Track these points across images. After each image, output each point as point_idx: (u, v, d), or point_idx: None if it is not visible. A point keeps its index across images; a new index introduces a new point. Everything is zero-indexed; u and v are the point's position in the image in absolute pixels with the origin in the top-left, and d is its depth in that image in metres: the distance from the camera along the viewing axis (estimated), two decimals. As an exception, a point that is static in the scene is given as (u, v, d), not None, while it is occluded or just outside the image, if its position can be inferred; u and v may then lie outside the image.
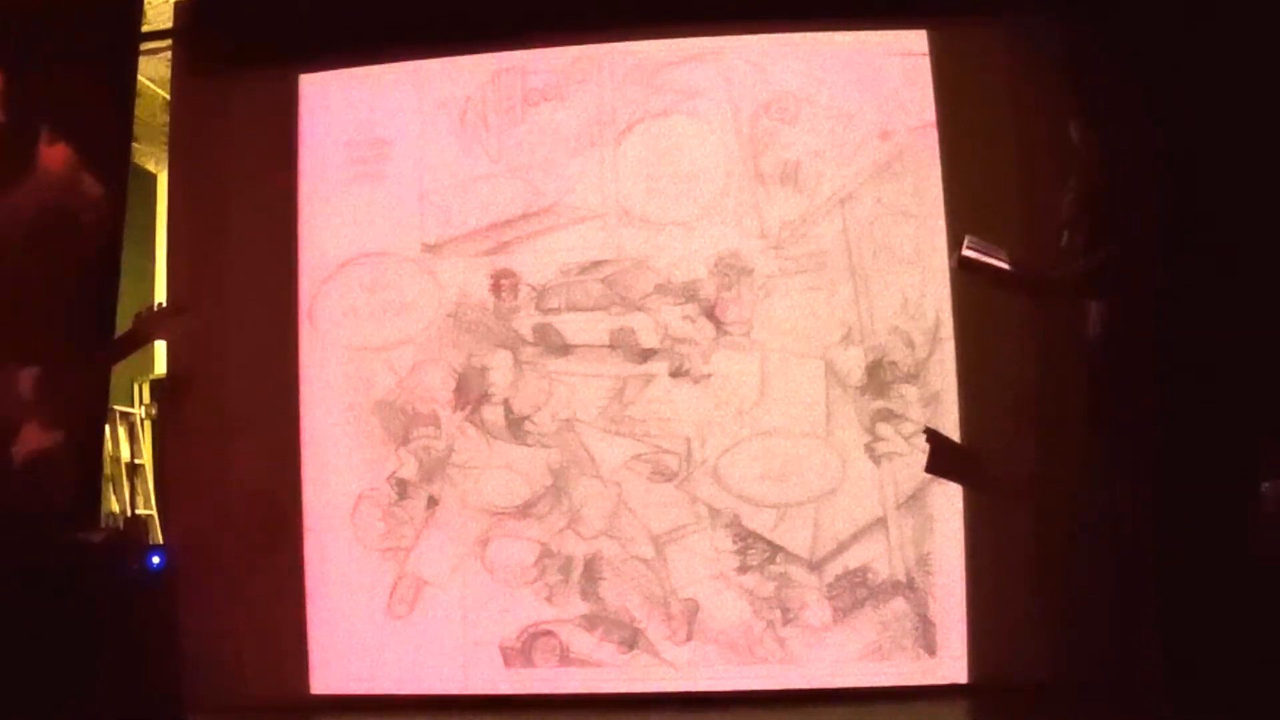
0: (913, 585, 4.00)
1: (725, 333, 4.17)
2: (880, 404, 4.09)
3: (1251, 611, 3.17)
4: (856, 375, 4.10)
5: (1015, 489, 3.92)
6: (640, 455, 4.14)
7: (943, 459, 3.96)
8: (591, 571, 4.11)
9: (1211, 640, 3.25)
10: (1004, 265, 3.60)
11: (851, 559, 4.03)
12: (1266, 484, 3.22)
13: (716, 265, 4.20)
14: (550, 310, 4.25)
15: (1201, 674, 3.21)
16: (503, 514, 4.18)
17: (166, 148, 5.02)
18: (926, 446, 4.00)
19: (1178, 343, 3.53)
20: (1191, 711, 3.15)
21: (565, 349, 4.21)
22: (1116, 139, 3.64)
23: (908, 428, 4.06)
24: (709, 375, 4.15)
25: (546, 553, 4.14)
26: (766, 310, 4.17)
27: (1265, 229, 3.48)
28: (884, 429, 4.07)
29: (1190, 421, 3.54)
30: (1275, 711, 2.90)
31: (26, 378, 3.49)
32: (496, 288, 4.28)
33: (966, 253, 3.62)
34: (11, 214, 3.74)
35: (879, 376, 4.10)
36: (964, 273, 3.72)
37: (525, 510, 4.17)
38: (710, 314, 4.18)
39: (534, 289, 4.26)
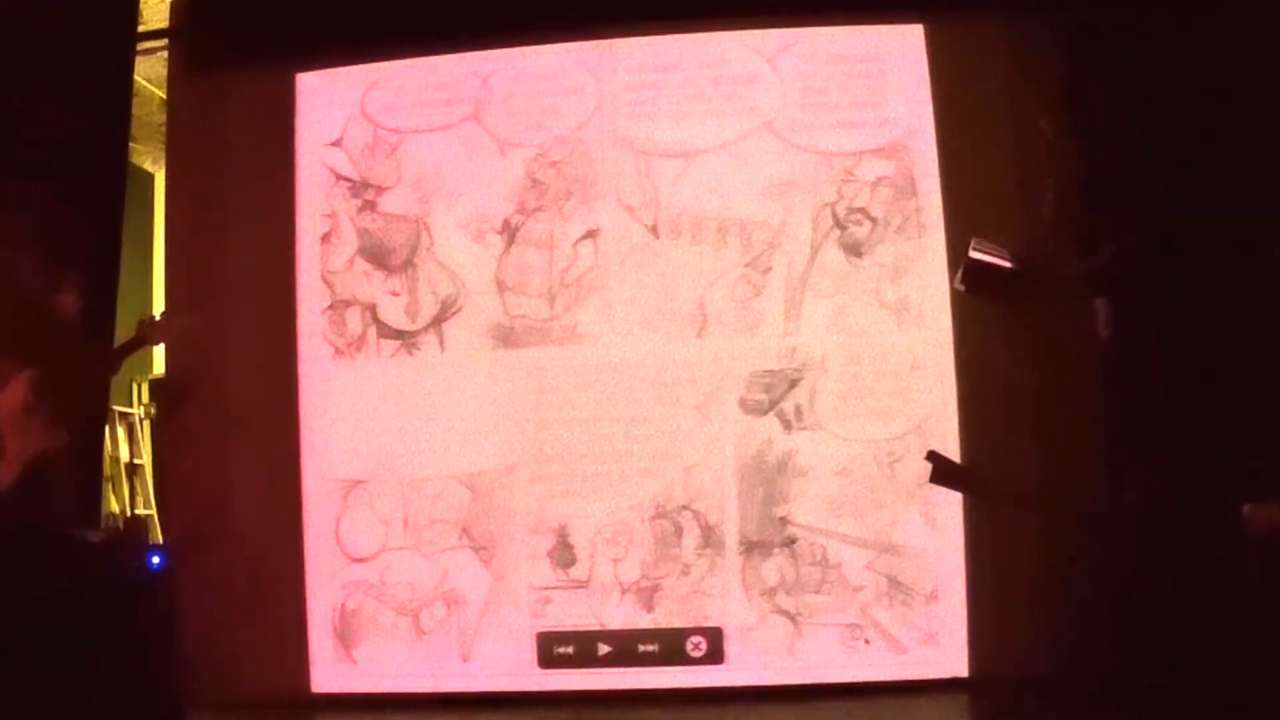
0: (914, 579, 3.99)
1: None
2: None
3: (1249, 608, 3.18)
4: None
5: (1016, 488, 3.92)
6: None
7: (946, 472, 3.95)
8: (602, 565, 4.11)
9: (1209, 634, 3.25)
10: (1010, 265, 3.61)
11: (853, 553, 4.03)
12: (1248, 506, 3.22)
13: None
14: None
15: (1198, 668, 3.22)
16: (514, 512, 4.18)
17: (164, 147, 5.02)
18: (929, 457, 3.99)
19: (1183, 342, 3.53)
20: (1189, 705, 3.15)
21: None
22: (1099, 134, 3.64)
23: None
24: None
25: (553, 549, 4.14)
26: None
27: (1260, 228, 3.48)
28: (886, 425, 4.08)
29: (1194, 419, 3.54)
30: (1270, 705, 2.91)
31: (26, 379, 3.49)
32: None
33: (974, 254, 3.62)
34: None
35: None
36: (967, 288, 3.74)
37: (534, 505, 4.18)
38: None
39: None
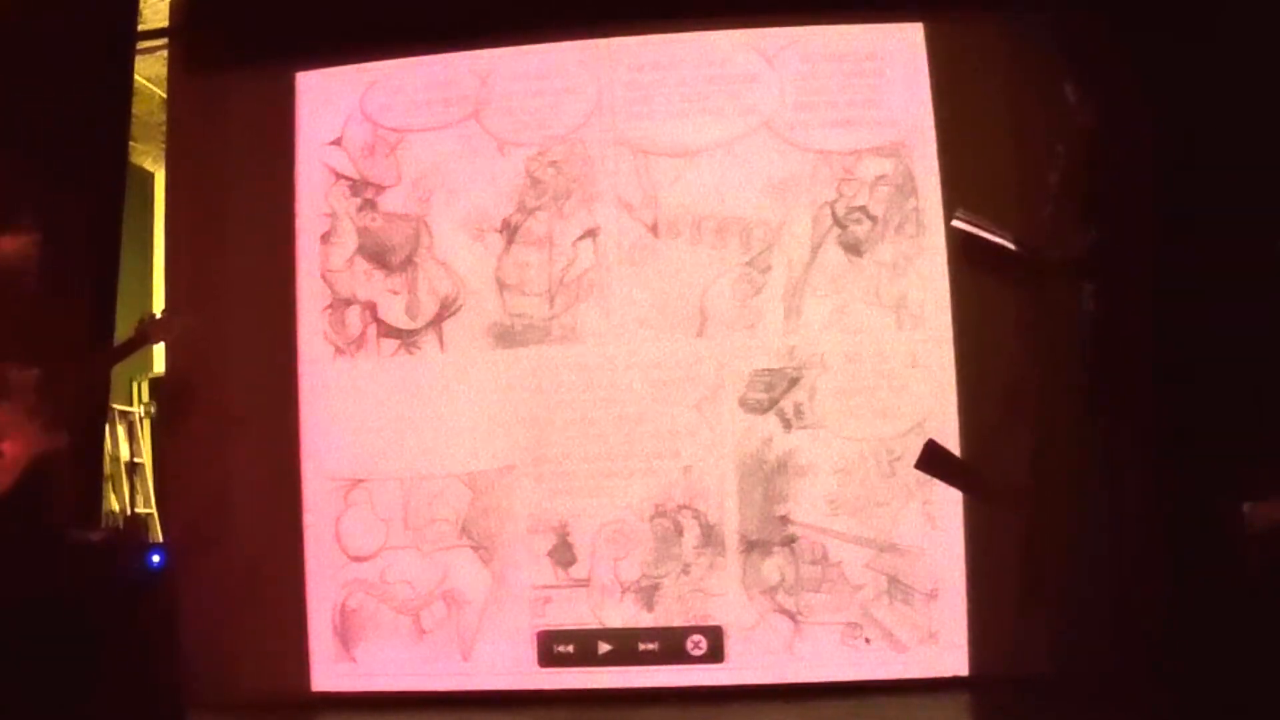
0: (914, 578, 3.99)
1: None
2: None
3: (1248, 604, 3.18)
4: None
5: (1007, 484, 3.92)
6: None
7: (935, 461, 3.94)
8: (602, 564, 4.12)
9: (1208, 633, 3.25)
10: (997, 240, 3.62)
11: (853, 552, 4.03)
12: (1248, 505, 3.22)
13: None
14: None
15: (1198, 667, 3.22)
16: (514, 511, 4.18)
17: (164, 146, 5.02)
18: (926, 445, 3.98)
19: (1174, 329, 3.53)
20: (1189, 704, 3.15)
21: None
22: (1112, 106, 3.64)
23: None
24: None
25: (553, 548, 4.14)
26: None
27: (1260, 215, 3.47)
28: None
29: (1187, 413, 3.54)
30: (1270, 704, 2.91)
31: (27, 379, 3.50)
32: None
33: (956, 224, 3.63)
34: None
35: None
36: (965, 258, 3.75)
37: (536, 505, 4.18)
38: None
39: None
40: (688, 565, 4.09)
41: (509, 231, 4.31)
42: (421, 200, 4.36)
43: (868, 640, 3.99)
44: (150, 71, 5.43)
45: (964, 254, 3.81)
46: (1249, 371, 3.50)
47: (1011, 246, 3.69)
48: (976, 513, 3.98)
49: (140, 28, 4.85)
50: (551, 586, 4.13)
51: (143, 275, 6.12)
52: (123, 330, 4.13)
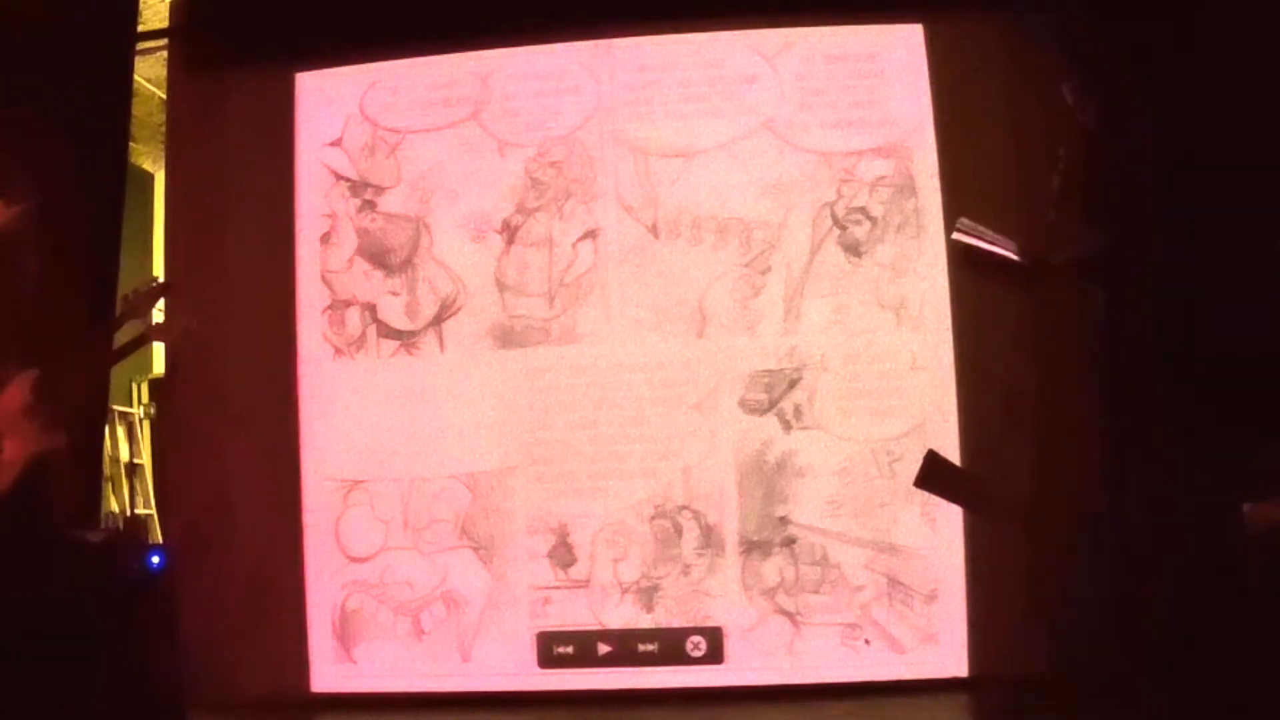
0: (914, 579, 3.99)
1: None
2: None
3: (1249, 607, 3.18)
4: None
5: (1006, 496, 3.91)
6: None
7: (935, 476, 3.93)
8: (602, 565, 4.11)
9: (1209, 633, 3.25)
10: (996, 249, 3.61)
11: (853, 553, 4.03)
12: (1248, 505, 3.22)
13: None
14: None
15: (1198, 667, 3.21)
16: (514, 512, 4.18)
17: (164, 147, 5.02)
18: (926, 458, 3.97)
19: (1175, 330, 3.53)
20: (1189, 705, 3.15)
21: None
22: (1112, 107, 3.64)
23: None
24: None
25: (553, 549, 4.14)
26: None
27: (1260, 215, 3.47)
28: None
29: (1187, 413, 3.54)
30: (1270, 704, 2.91)
31: (25, 379, 3.49)
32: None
33: (957, 236, 3.63)
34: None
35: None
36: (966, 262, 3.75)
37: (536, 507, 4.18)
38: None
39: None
40: (687, 566, 4.09)
41: (509, 232, 4.31)
42: (421, 201, 4.36)
43: (867, 641, 3.99)
44: (150, 72, 5.44)
45: (964, 257, 3.81)
46: (1249, 371, 3.49)
47: (1013, 256, 3.68)
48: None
49: (140, 28, 4.85)
50: (551, 587, 4.13)
51: (143, 276, 6.10)
52: (122, 332, 4.13)
